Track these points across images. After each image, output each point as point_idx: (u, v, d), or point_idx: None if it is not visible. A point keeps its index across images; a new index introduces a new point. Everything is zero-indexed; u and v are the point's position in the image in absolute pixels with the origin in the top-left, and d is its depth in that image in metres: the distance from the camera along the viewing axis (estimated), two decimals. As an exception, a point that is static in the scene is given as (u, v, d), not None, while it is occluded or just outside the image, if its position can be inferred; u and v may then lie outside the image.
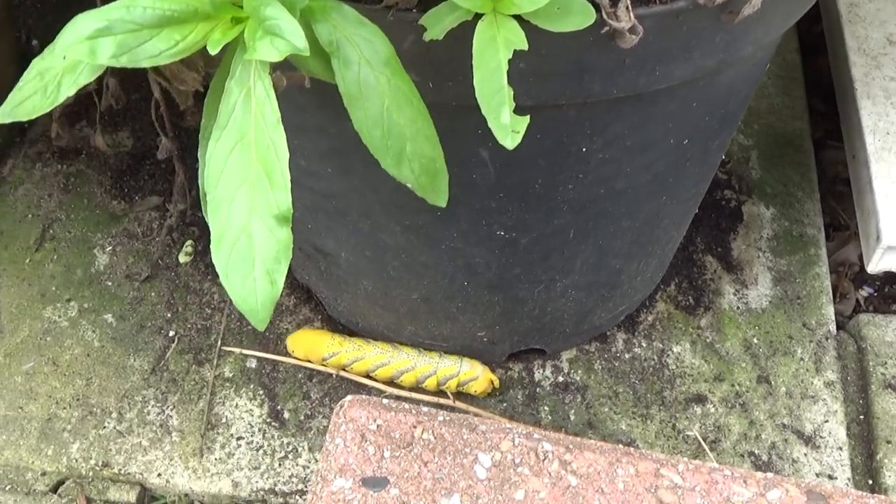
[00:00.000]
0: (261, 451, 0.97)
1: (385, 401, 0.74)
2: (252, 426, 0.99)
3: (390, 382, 1.01)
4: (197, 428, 0.99)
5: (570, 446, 0.72)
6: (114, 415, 1.00)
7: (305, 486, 0.95)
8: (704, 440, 0.98)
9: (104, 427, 0.99)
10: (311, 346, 1.02)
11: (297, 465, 0.97)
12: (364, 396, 0.73)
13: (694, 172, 0.89)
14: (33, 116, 0.61)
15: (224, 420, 0.99)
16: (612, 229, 0.88)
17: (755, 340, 1.05)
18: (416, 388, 1.01)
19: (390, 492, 0.69)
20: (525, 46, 0.61)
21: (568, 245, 0.87)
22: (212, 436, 0.98)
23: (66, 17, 1.29)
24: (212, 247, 0.59)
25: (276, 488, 0.95)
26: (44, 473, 0.97)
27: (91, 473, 0.97)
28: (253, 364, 1.03)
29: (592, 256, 0.90)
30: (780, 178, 1.18)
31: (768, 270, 1.10)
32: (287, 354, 1.02)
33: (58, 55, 0.60)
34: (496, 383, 1.01)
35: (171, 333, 1.05)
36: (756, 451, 0.98)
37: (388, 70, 0.61)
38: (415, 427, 0.72)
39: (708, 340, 1.05)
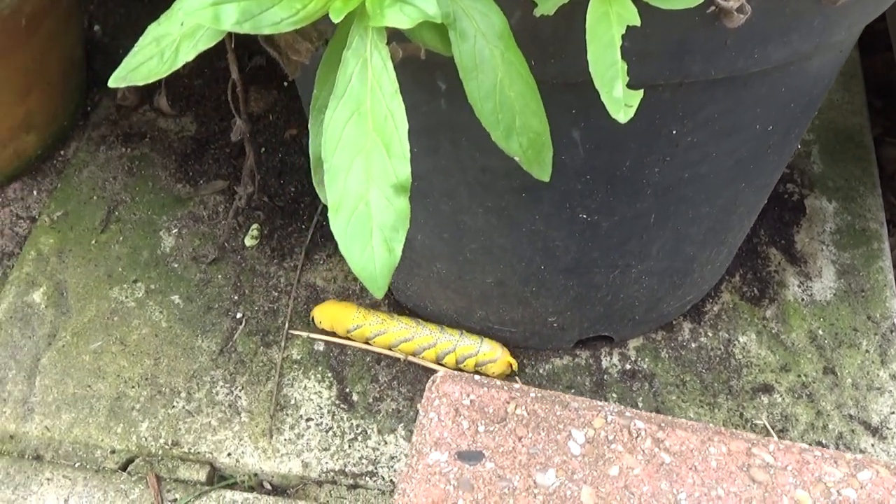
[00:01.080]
0: (330, 433, 0.98)
1: (476, 377, 0.74)
2: (321, 408, 0.99)
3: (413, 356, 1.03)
4: (266, 409, 0.99)
5: (663, 424, 0.72)
6: (182, 394, 1.01)
7: (375, 468, 0.95)
8: (772, 429, 0.98)
9: (173, 406, 1.00)
10: (337, 317, 1.03)
11: (366, 446, 0.97)
12: (455, 372, 0.74)
13: (773, 160, 0.89)
14: (149, 81, 0.61)
15: (293, 401, 1.00)
16: (690, 215, 0.88)
17: (820, 332, 1.05)
18: (436, 363, 1.02)
19: (486, 465, 0.69)
20: (638, 22, 0.62)
21: (648, 230, 0.88)
22: (281, 417, 0.99)
23: (129, 5, 1.30)
24: (329, 215, 0.59)
25: (346, 469, 0.95)
26: (113, 451, 0.98)
27: (161, 452, 0.97)
28: (321, 347, 1.04)
29: (669, 242, 0.90)
30: (841, 172, 1.18)
31: (832, 263, 1.10)
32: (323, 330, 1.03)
33: (175, 21, 0.61)
34: (514, 366, 1.01)
35: (239, 315, 1.06)
36: (823, 441, 0.98)
37: (502, 44, 0.61)
38: (508, 403, 0.72)
39: (773, 331, 1.05)
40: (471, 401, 0.72)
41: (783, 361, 1.03)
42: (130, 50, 1.30)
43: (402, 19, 0.54)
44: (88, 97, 1.24)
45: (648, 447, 0.71)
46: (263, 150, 1.17)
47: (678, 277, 0.97)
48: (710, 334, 1.05)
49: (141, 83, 0.61)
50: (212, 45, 0.60)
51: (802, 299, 1.08)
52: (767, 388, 1.01)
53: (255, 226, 1.12)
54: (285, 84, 1.24)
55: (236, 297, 1.07)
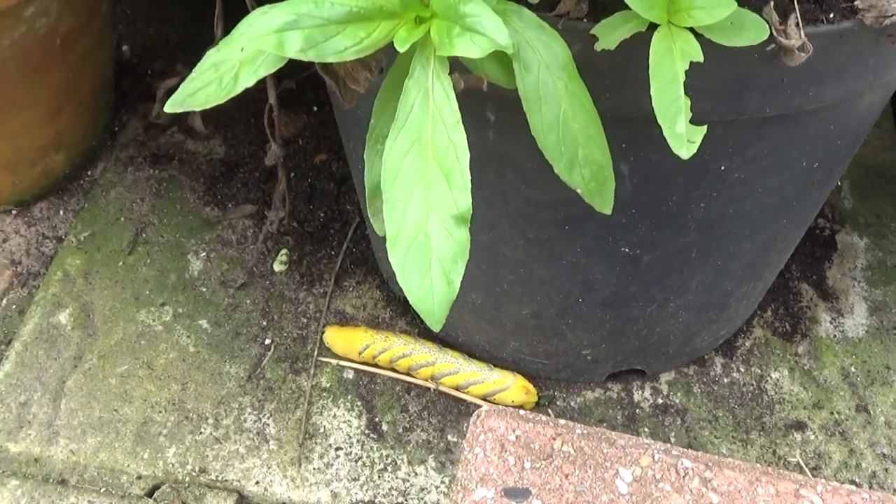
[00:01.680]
0: (360, 463, 0.97)
1: (521, 412, 0.73)
2: (350, 437, 0.98)
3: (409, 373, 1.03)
4: (294, 437, 0.98)
5: (710, 464, 0.71)
6: (210, 420, 1.00)
7: (405, 500, 0.94)
8: (805, 466, 0.97)
9: (201, 433, 0.99)
10: (349, 341, 1.03)
11: (396, 477, 0.96)
12: (500, 407, 0.73)
13: (815, 197, 0.88)
14: (207, 106, 0.60)
15: (322, 430, 0.99)
16: (732, 250, 0.87)
17: (853, 369, 1.04)
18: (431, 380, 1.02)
19: (532, 502, 0.68)
20: (701, 58, 0.61)
21: (689, 264, 0.87)
22: (310, 445, 0.98)
23: (159, 26, 1.30)
24: (388, 245, 0.59)
25: (376, 500, 0.94)
26: (139, 477, 0.96)
27: (188, 479, 0.96)
28: (350, 375, 1.03)
29: (709, 277, 0.90)
30: (872, 208, 1.18)
31: (864, 300, 1.10)
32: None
33: (235, 47, 0.60)
34: (532, 390, 1.00)
35: (267, 341, 1.05)
36: (857, 480, 0.97)
37: (566, 75, 0.60)
38: (554, 439, 0.72)
39: (806, 367, 1.04)
40: (516, 436, 0.71)
41: (816, 398, 1.02)
42: (158, 71, 1.30)
43: (472, 49, 0.53)
44: (117, 117, 1.23)
45: (696, 487, 0.70)
46: (293, 174, 1.16)
47: (714, 312, 0.96)
48: (742, 369, 1.04)
49: (199, 109, 0.60)
50: (273, 70, 0.59)
51: (834, 336, 1.07)
52: (800, 426, 1.00)
53: (284, 251, 1.11)
54: (315, 109, 1.24)
55: (265, 323, 1.06)
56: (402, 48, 0.56)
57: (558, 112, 0.60)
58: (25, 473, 0.97)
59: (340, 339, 1.03)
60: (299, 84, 1.22)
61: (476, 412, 0.73)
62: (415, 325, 1.06)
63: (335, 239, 1.13)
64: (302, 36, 0.56)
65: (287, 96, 1.24)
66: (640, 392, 1.02)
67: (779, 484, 0.71)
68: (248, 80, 0.60)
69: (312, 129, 1.22)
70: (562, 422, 0.72)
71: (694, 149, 0.61)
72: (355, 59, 0.61)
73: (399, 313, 1.07)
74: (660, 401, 1.01)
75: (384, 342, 1.01)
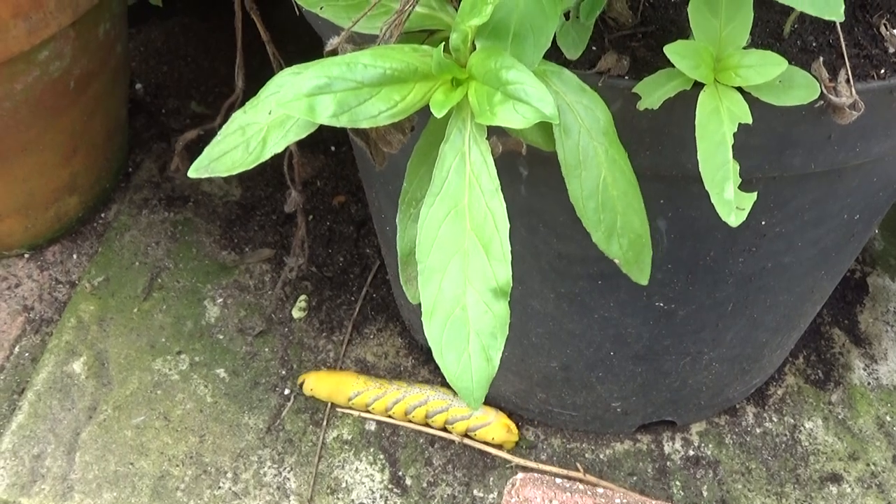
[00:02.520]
0: (383, 519, 0.94)
1: (558, 480, 0.70)
2: (373, 492, 0.96)
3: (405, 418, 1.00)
4: (316, 492, 0.95)
5: (755, 535, 0.69)
6: (229, 475, 0.97)
7: (430, 558, 0.91)
8: (843, 523, 0.94)
9: (219, 487, 0.96)
10: (336, 386, 1.00)
11: (421, 534, 0.93)
12: (536, 475, 0.70)
13: (853, 248, 0.86)
14: (233, 172, 0.58)
15: (344, 484, 0.96)
16: (768, 303, 0.85)
17: (888, 418, 1.01)
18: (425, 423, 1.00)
19: (571, 579, 0.66)
20: (749, 119, 0.59)
21: (724, 318, 0.84)
22: (332, 500, 0.95)
23: (172, 63, 1.28)
24: (423, 319, 0.56)
25: (400, 558, 0.92)
26: (156, 534, 0.94)
27: (206, 536, 0.93)
28: (372, 427, 1.00)
29: (744, 330, 0.87)
30: (904, 249, 1.15)
31: (898, 345, 1.07)
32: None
33: (262, 110, 0.58)
34: (514, 429, 0.98)
35: (287, 391, 1.02)
36: (896, 536, 0.94)
37: (606, 140, 0.58)
38: (592, 509, 0.69)
39: (840, 417, 1.01)
40: (553, 506, 0.68)
41: (851, 449, 0.99)
42: (172, 109, 1.27)
43: (515, 119, 0.51)
44: (130, 157, 1.21)
45: (741, 560, 0.67)
46: (311, 217, 1.14)
47: (748, 363, 0.93)
48: (774, 419, 1.01)
49: (224, 175, 0.58)
50: (303, 135, 0.57)
51: (868, 383, 1.04)
52: (836, 478, 0.97)
53: (303, 297, 1.09)
54: (332, 149, 1.21)
55: (284, 372, 1.03)
56: (439, 113, 0.54)
57: (598, 179, 0.58)
58: (39, 530, 0.94)
59: (325, 384, 1.01)
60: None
61: (511, 480, 0.70)
62: (438, 374, 1.03)
63: (354, 284, 1.10)
64: (334, 100, 0.53)
65: (304, 137, 1.22)
66: (670, 443, 0.99)
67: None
68: (277, 146, 0.57)
69: (330, 171, 1.20)
70: (600, 490, 0.69)
71: (743, 216, 0.58)
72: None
73: (422, 361, 1.04)
74: (691, 452, 0.99)
75: (378, 389, 0.99)
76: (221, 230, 1.14)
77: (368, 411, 1.00)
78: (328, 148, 1.22)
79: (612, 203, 0.58)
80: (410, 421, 1.00)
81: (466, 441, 0.98)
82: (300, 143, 1.10)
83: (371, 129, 0.62)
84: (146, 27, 1.33)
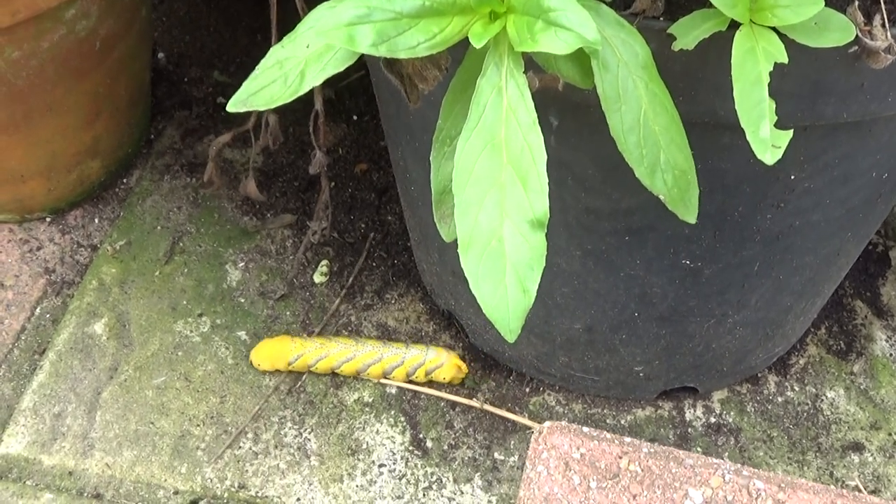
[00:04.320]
0: (403, 480, 0.94)
1: (585, 429, 0.70)
2: (394, 454, 0.95)
3: (357, 376, 1.01)
4: (337, 452, 0.95)
5: (783, 485, 0.68)
6: (249, 435, 0.97)
7: (451, 519, 0.91)
8: (864, 489, 0.94)
9: (239, 447, 0.96)
10: (276, 353, 1.00)
11: (441, 496, 0.93)
12: (564, 423, 0.70)
13: (880, 210, 0.85)
14: (272, 106, 0.58)
15: (365, 446, 0.96)
16: (794, 264, 0.84)
17: (910, 390, 1.01)
18: (384, 378, 1.01)
19: (599, 524, 0.66)
20: (785, 59, 0.58)
21: (749, 278, 0.84)
22: (352, 461, 0.95)
23: (195, 33, 1.28)
24: (459, 251, 0.56)
25: (421, 519, 0.91)
26: (177, 492, 0.94)
27: (227, 495, 0.93)
28: (393, 390, 1.00)
29: (769, 292, 0.87)
30: (926, 225, 1.15)
31: (920, 319, 1.07)
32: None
33: (300, 44, 0.58)
34: (464, 368, 0.99)
35: (308, 354, 1.02)
36: (918, 505, 0.94)
37: (646, 74, 0.58)
38: (620, 458, 0.69)
39: (862, 387, 1.01)
40: (581, 454, 0.68)
41: (873, 419, 0.99)
42: (195, 78, 1.27)
43: (558, 44, 0.50)
44: (152, 125, 1.21)
45: (769, 508, 0.67)
46: (333, 184, 1.14)
47: (771, 329, 0.93)
48: (796, 388, 1.01)
49: (263, 108, 0.58)
50: (342, 68, 0.57)
51: (891, 354, 1.04)
52: (858, 447, 0.97)
53: (324, 262, 1.09)
54: (354, 118, 1.21)
55: (305, 335, 1.03)
56: (478, 44, 0.54)
57: (639, 113, 0.57)
58: (59, 487, 0.94)
59: (264, 354, 1.00)
60: (338, 93, 1.21)
61: (538, 428, 0.70)
62: (459, 340, 1.03)
63: (376, 251, 1.10)
64: (374, 30, 0.53)
65: (326, 106, 1.22)
66: (692, 411, 0.99)
67: (855, 507, 0.68)
68: (315, 79, 0.57)
69: (352, 139, 1.20)
70: (627, 439, 0.69)
71: (779, 154, 0.58)
72: (425, 57, 0.58)
73: (443, 326, 1.04)
74: (712, 420, 0.98)
75: (319, 349, 0.99)
76: (243, 196, 1.14)
77: (311, 371, 1.00)
78: (350, 117, 1.22)
79: (653, 137, 0.58)
80: (362, 378, 1.00)
81: (487, 407, 0.98)
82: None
83: (407, 64, 0.62)
84: (169, -3, 1.34)
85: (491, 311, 0.55)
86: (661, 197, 0.59)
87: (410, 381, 0.99)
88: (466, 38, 0.55)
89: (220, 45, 1.30)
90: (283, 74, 0.58)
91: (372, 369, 0.98)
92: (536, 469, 0.68)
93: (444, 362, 0.98)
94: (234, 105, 0.59)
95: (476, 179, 0.56)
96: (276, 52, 0.59)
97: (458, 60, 0.61)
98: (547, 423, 0.69)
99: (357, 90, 1.23)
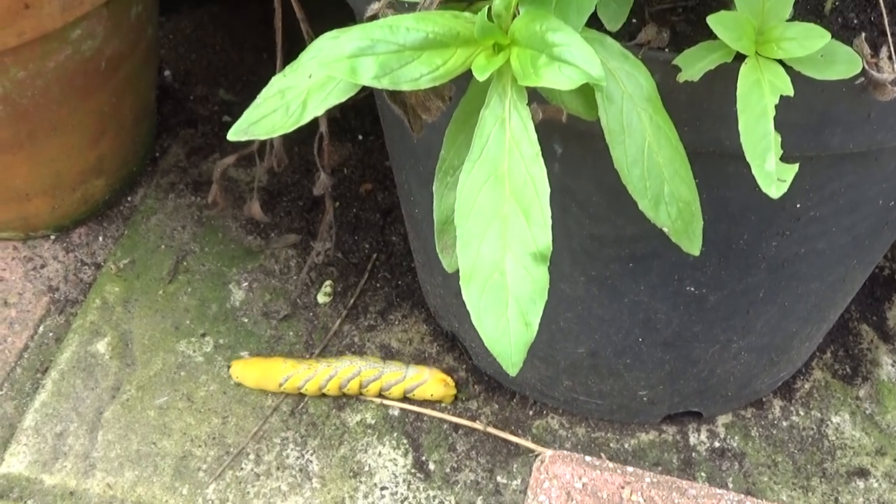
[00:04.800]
0: (405, 503, 0.93)
1: (588, 458, 0.70)
2: (396, 476, 0.95)
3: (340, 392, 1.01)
4: (339, 475, 0.95)
5: (786, 517, 0.68)
6: (251, 456, 0.97)
7: (453, 543, 0.91)
8: (869, 518, 0.93)
9: (241, 468, 0.96)
10: (265, 372, 1.00)
11: (443, 519, 0.93)
12: (566, 452, 0.70)
13: (886, 237, 0.85)
14: (273, 135, 0.58)
15: (367, 468, 0.96)
16: (799, 291, 0.84)
17: (916, 415, 1.01)
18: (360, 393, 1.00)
19: (601, 555, 0.65)
20: (791, 92, 0.58)
21: (754, 305, 0.84)
22: (354, 484, 0.95)
23: (201, 51, 1.28)
24: (461, 283, 0.56)
25: (423, 543, 0.91)
26: (178, 514, 0.93)
27: (228, 516, 0.93)
28: (396, 412, 0.99)
29: (774, 318, 0.86)
30: (932, 248, 1.14)
31: (926, 343, 1.06)
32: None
33: (302, 73, 0.58)
34: (450, 383, 0.99)
35: (311, 375, 1.02)
36: (923, 533, 0.93)
37: (650, 107, 0.58)
38: (622, 488, 0.68)
39: (867, 412, 1.01)
40: (583, 484, 0.68)
41: (878, 444, 0.98)
42: (200, 96, 1.27)
43: (561, 80, 0.50)
44: (157, 143, 1.21)
45: (773, 541, 0.66)
46: (338, 204, 1.13)
47: (776, 354, 0.93)
48: (801, 413, 1.00)
49: (264, 137, 0.58)
50: (344, 99, 0.57)
51: (896, 380, 1.03)
52: (863, 473, 0.96)
53: (328, 282, 1.08)
54: (360, 138, 1.21)
55: (308, 356, 1.03)
56: (481, 76, 0.54)
57: (643, 145, 0.57)
58: (61, 507, 0.94)
59: (252, 370, 1.00)
60: (343, 113, 1.21)
61: (539, 457, 0.69)
62: (462, 361, 1.03)
63: (380, 271, 1.10)
64: (376, 62, 0.53)
65: (332, 125, 1.22)
66: (696, 435, 0.99)
67: (859, 540, 0.67)
68: (317, 109, 0.57)
69: (357, 159, 1.20)
70: (630, 469, 0.69)
71: (784, 188, 0.58)
72: (428, 88, 0.58)
73: (446, 348, 1.04)
74: (717, 444, 0.98)
75: (308, 370, 0.99)
76: (247, 216, 1.14)
77: (301, 394, 1.00)
78: (355, 137, 1.21)
79: (657, 170, 0.57)
80: (345, 394, 1.00)
81: (490, 430, 0.98)
82: (329, 132, 1.10)
83: (410, 95, 0.61)
84: (176, 16, 1.34)
85: (493, 343, 0.55)
86: (665, 229, 0.58)
87: (407, 400, 0.99)
88: (469, 70, 0.55)
89: (226, 63, 1.30)
90: (285, 104, 0.58)
91: (351, 384, 0.98)
92: (538, 499, 0.67)
93: (426, 379, 0.98)
94: (235, 134, 0.59)
95: (478, 211, 0.56)
96: (278, 82, 0.59)
97: (461, 90, 0.61)
98: (549, 452, 0.69)
99: (363, 110, 1.23)
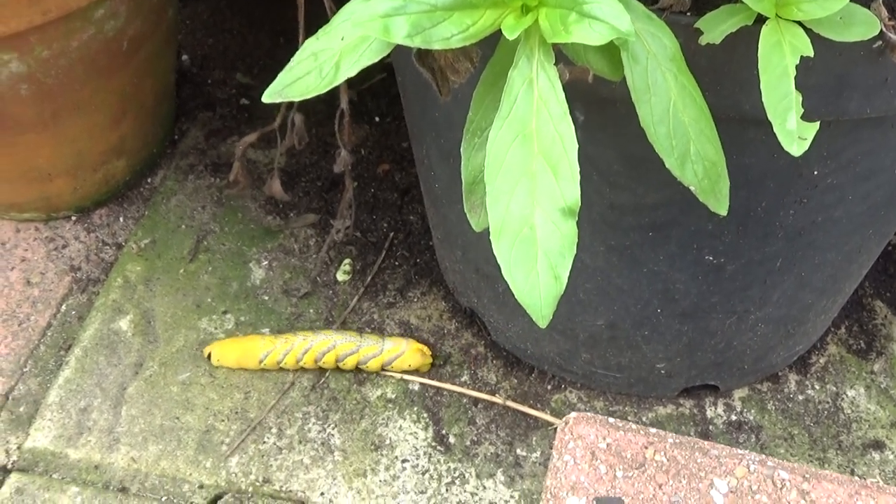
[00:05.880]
0: (427, 476, 0.95)
1: (611, 420, 0.71)
2: (417, 449, 0.96)
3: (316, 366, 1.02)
4: (360, 448, 0.96)
5: (807, 475, 0.69)
6: (273, 430, 0.98)
7: (474, 513, 0.92)
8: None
9: (264, 442, 0.97)
10: (245, 351, 1.01)
11: (464, 491, 0.94)
12: (589, 414, 0.71)
13: (902, 207, 0.86)
14: (307, 97, 0.59)
15: (388, 441, 0.97)
16: (816, 261, 0.85)
17: (930, 389, 1.02)
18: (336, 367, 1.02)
19: (625, 512, 0.66)
20: (811, 52, 0.59)
21: (772, 275, 0.85)
22: (375, 457, 0.96)
23: (218, 36, 1.29)
24: (492, 238, 0.57)
25: (444, 514, 0.92)
26: (201, 486, 0.95)
27: (251, 489, 0.94)
28: (416, 387, 1.01)
29: (791, 289, 0.87)
30: (945, 226, 1.15)
31: (939, 319, 1.07)
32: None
33: (335, 36, 0.59)
34: (427, 352, 1.01)
35: (331, 351, 1.03)
36: (938, 503, 0.94)
37: (675, 66, 0.59)
38: (646, 448, 0.69)
39: (882, 386, 1.02)
40: (607, 444, 0.69)
41: (894, 417, 0.99)
42: (218, 80, 1.28)
43: (591, 36, 0.51)
44: (176, 126, 1.22)
45: (794, 499, 0.68)
46: (356, 184, 1.15)
47: (792, 326, 0.94)
48: (816, 387, 1.01)
49: (298, 99, 0.59)
50: (376, 60, 0.58)
51: (910, 355, 1.04)
52: (878, 445, 0.97)
53: (347, 260, 1.10)
54: (376, 119, 1.22)
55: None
56: (511, 35, 0.55)
57: (668, 104, 0.58)
58: (85, 480, 0.95)
59: (231, 351, 1.01)
60: (360, 95, 1.22)
61: (564, 419, 0.70)
62: (481, 337, 1.04)
63: (398, 250, 1.11)
64: (409, 21, 0.54)
65: (348, 107, 1.23)
66: (712, 408, 1.00)
67: (879, 497, 0.68)
68: (350, 70, 0.58)
69: (374, 140, 1.21)
70: (653, 430, 0.70)
71: (805, 146, 0.59)
72: (458, 49, 0.60)
73: (465, 324, 1.05)
74: (733, 417, 0.99)
75: (285, 344, 1.00)
76: (266, 196, 1.15)
77: (281, 368, 1.01)
78: (372, 118, 1.23)
79: (683, 128, 0.58)
80: (321, 367, 1.01)
81: (509, 404, 0.99)
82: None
83: (440, 57, 0.63)
84: (193, 1, 1.35)
85: (523, 297, 0.56)
86: (692, 188, 0.59)
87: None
88: (497, 32, 0.56)
89: (243, 47, 1.31)
90: (318, 66, 0.59)
91: (327, 357, 1.00)
92: (563, 458, 0.69)
93: (404, 350, 1.00)
94: (270, 96, 0.60)
95: (507, 169, 0.57)
96: (310, 44, 0.60)
97: (487, 54, 0.62)
98: (573, 414, 0.70)
99: (379, 92, 1.24)
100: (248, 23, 1.33)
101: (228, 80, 1.27)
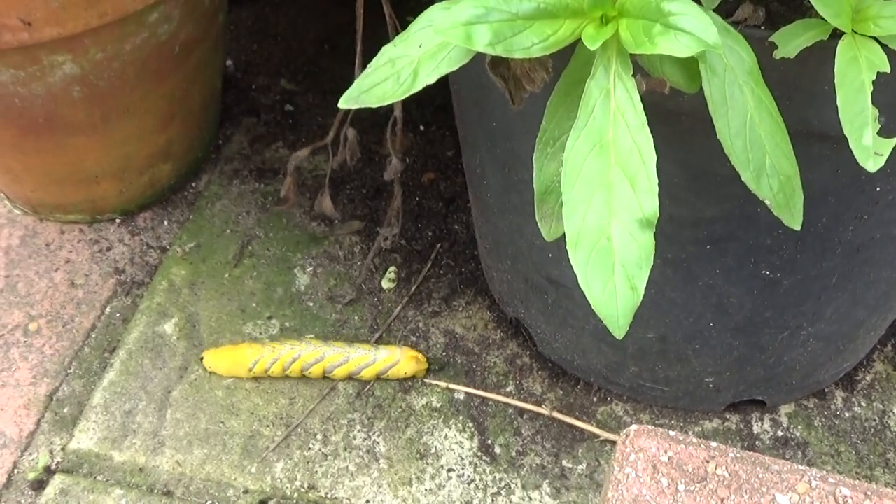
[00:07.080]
0: (472, 485, 0.94)
1: (672, 433, 0.71)
2: (462, 459, 0.96)
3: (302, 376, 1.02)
4: (405, 456, 0.96)
5: (869, 493, 0.69)
6: (318, 437, 0.98)
7: (519, 524, 0.92)
8: (932, 508, 0.94)
9: (309, 448, 0.97)
10: (235, 360, 1.01)
11: (510, 502, 0.93)
12: (649, 427, 0.70)
13: (959, 225, 0.86)
14: (384, 103, 0.59)
15: (433, 450, 0.97)
16: (871, 277, 0.85)
17: (977, 409, 1.01)
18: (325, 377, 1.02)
19: (688, 526, 0.66)
20: (888, 68, 0.59)
21: (826, 291, 0.85)
22: (421, 465, 0.96)
23: (262, 42, 1.29)
24: (568, 248, 0.57)
25: (489, 524, 0.92)
26: (246, 491, 0.95)
27: (296, 495, 0.94)
28: (461, 396, 1.01)
29: (844, 305, 0.87)
30: None
31: None
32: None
33: (413, 43, 0.59)
34: (422, 360, 1.01)
35: (376, 359, 1.03)
36: None
37: (752, 80, 0.59)
38: (707, 462, 0.69)
39: (929, 405, 1.01)
40: (668, 458, 0.69)
41: (940, 437, 0.99)
42: (262, 86, 1.28)
43: (678, 47, 0.51)
44: (221, 131, 1.22)
45: (856, 516, 0.67)
46: (402, 192, 1.15)
47: (843, 343, 0.93)
48: (863, 404, 1.01)
49: (375, 105, 0.59)
50: (455, 67, 0.58)
51: (957, 374, 1.04)
52: (925, 465, 0.97)
53: (392, 268, 1.10)
54: (421, 128, 1.22)
55: (373, 340, 1.04)
56: (592, 46, 0.55)
57: (745, 118, 0.58)
58: (130, 483, 0.95)
59: (223, 358, 1.02)
60: (405, 105, 1.22)
61: (625, 431, 0.70)
62: (526, 348, 1.04)
63: (443, 259, 1.11)
64: (490, 30, 0.55)
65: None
66: (759, 424, 0.99)
67: (941, 517, 0.68)
68: (428, 77, 0.58)
69: (419, 149, 1.21)
70: (713, 444, 0.70)
71: (881, 162, 0.59)
72: (535, 58, 0.60)
73: (510, 335, 1.05)
74: (780, 433, 0.99)
75: (272, 353, 1.00)
76: (311, 202, 1.15)
77: (269, 376, 1.01)
78: (417, 127, 1.23)
79: (760, 142, 0.58)
80: (306, 377, 1.01)
81: (556, 415, 0.99)
82: (386, 123, 1.12)
83: (516, 66, 0.63)
84: (237, 7, 1.35)
85: (600, 307, 0.56)
86: (767, 202, 0.59)
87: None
88: (572, 43, 0.56)
89: (287, 53, 1.31)
90: (396, 72, 0.59)
91: (314, 368, 1.00)
92: (624, 471, 0.68)
93: (399, 359, 1.00)
94: (346, 101, 0.60)
95: (584, 179, 0.57)
96: (388, 51, 0.60)
97: (559, 64, 0.62)
98: (634, 426, 0.70)
99: (424, 101, 1.24)
100: (293, 29, 1.34)
101: (272, 86, 1.27)
